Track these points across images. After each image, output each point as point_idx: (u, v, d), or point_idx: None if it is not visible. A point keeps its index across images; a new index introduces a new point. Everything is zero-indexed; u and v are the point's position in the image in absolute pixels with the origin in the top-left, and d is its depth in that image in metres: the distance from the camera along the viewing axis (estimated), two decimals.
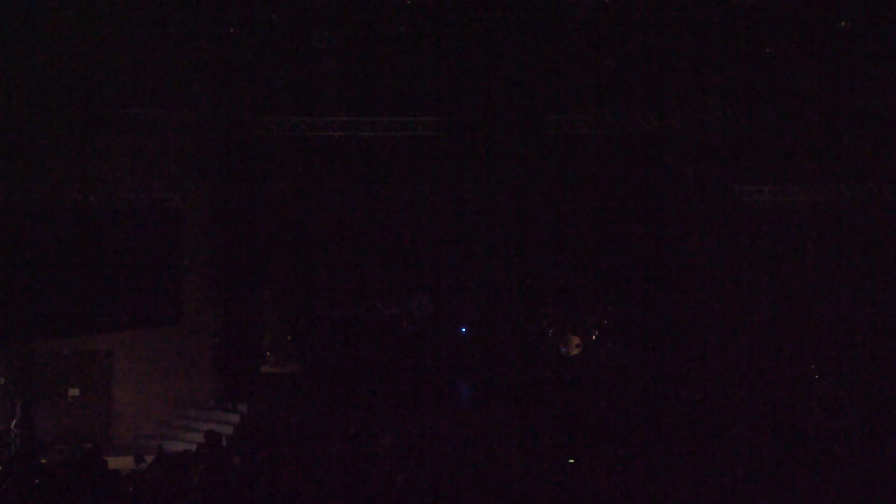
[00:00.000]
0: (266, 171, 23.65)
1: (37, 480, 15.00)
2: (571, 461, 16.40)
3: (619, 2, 20.45)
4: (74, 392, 22.07)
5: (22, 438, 20.03)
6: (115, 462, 16.38)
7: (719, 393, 21.78)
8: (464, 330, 24.22)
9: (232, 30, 20.61)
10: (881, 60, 21.23)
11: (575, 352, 24.36)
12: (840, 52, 21.03)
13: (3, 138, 20.83)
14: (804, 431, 18.63)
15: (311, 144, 23.48)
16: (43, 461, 17.63)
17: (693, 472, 15.58)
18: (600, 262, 23.88)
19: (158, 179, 22.57)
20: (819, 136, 22.93)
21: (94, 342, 22.23)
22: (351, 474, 15.26)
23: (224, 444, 19.10)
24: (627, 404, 21.40)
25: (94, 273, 21.24)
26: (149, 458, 16.56)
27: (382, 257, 24.07)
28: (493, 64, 21.95)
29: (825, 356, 22.91)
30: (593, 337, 24.47)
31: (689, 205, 23.46)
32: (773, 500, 14.52)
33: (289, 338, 24.79)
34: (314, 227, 24.05)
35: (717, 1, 20.41)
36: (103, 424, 22.20)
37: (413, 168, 23.76)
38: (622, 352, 23.92)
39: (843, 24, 20.47)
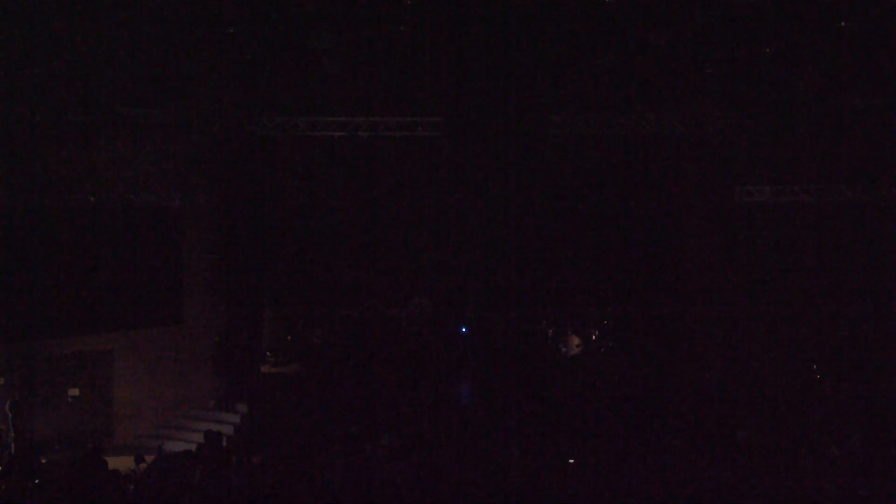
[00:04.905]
0: (266, 171, 23.67)
1: (37, 480, 15.03)
2: (571, 461, 16.41)
3: (619, 2, 20.42)
4: (74, 392, 22.04)
5: (16, 438, 20.00)
6: (115, 462, 16.41)
7: (719, 392, 21.80)
8: (464, 330, 24.23)
9: (232, 30, 20.59)
10: (881, 60, 21.21)
11: (575, 352, 24.38)
12: (840, 52, 21.01)
13: (4, 138, 20.85)
14: (804, 431, 18.63)
15: (311, 144, 23.49)
16: (43, 461, 17.64)
17: (693, 471, 15.59)
18: (600, 262, 23.89)
19: (158, 179, 22.58)
20: (819, 137, 22.94)
21: (94, 342, 22.22)
22: (351, 474, 15.26)
23: (224, 444, 19.11)
24: (627, 404, 21.41)
25: (94, 273, 21.30)
26: (149, 458, 16.58)
27: (382, 258, 24.08)
28: (494, 64, 21.94)
29: (826, 356, 22.91)
30: (593, 337, 24.49)
31: (689, 205, 23.49)
32: (773, 499, 14.52)
33: (289, 338, 24.80)
34: (314, 228, 24.05)
35: (717, 1, 20.38)
36: (103, 424, 22.19)
37: (413, 168, 23.77)
38: (622, 352, 23.93)
39: (843, 24, 20.44)
